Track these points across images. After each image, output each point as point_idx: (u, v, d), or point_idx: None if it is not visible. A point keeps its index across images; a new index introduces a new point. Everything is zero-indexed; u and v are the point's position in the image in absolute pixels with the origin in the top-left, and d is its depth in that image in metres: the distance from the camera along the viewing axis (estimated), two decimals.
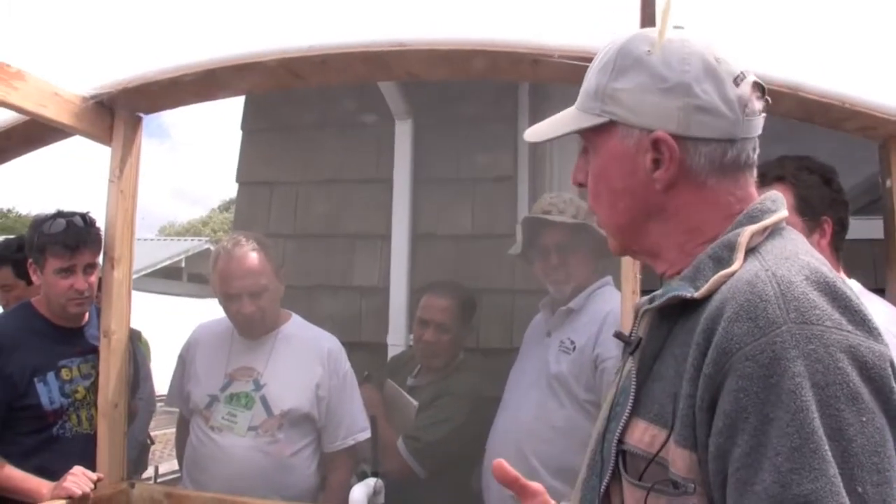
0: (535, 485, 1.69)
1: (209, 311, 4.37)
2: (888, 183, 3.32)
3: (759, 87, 1.54)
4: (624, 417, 1.50)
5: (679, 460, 1.36)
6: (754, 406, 1.24)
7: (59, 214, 3.88)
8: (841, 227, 2.97)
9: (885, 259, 3.39)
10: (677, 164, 1.50)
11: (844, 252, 3.03)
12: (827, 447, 1.19)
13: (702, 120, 1.48)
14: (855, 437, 1.20)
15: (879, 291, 3.14)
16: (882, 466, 1.21)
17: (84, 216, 3.92)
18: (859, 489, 1.18)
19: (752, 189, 1.57)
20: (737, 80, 1.50)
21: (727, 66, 1.50)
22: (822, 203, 2.93)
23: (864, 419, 1.21)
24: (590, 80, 1.61)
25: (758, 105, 1.53)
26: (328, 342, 4.22)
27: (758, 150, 1.56)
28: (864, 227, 3.87)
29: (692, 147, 1.50)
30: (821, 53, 3.30)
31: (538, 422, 3.89)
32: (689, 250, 1.54)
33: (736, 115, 1.49)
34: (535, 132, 1.73)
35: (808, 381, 1.21)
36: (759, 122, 1.54)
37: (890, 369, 1.28)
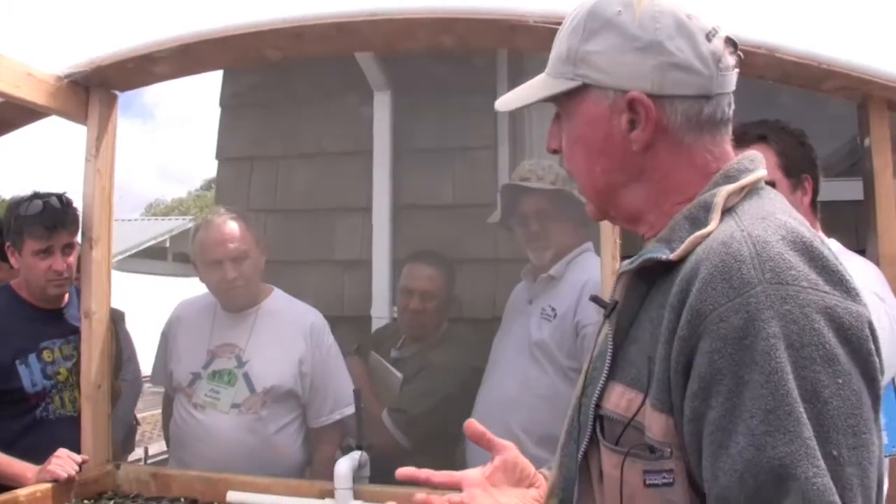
0: (505, 441, 1.76)
1: (194, 290, 4.35)
2: (866, 142, 3.32)
3: (731, 43, 1.52)
4: (601, 381, 1.49)
5: (655, 424, 1.35)
6: (729, 368, 1.23)
7: (36, 196, 3.86)
8: (816, 185, 2.98)
9: (865, 219, 3.38)
10: (654, 124, 1.48)
11: (826, 213, 3.03)
12: (802, 409, 1.18)
13: (677, 77, 1.47)
14: (830, 398, 1.20)
15: (861, 252, 3.14)
16: (858, 429, 1.20)
17: (60, 196, 3.89)
18: (834, 452, 1.18)
19: (728, 146, 1.55)
20: (709, 36, 1.48)
21: (698, 22, 1.49)
22: (802, 162, 2.94)
23: (840, 381, 1.21)
24: (560, 44, 1.59)
25: (731, 60, 1.52)
26: (311, 316, 4.20)
27: (732, 106, 1.55)
28: (846, 189, 3.88)
29: (668, 105, 1.48)
30: (796, 15, 3.29)
31: (521, 390, 3.90)
32: (667, 210, 1.52)
33: (710, 70, 1.48)
34: (506, 101, 1.71)
35: (784, 342, 1.20)
36: (732, 78, 1.53)
37: (868, 330, 1.27)
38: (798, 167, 2.92)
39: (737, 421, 1.21)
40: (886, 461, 2.03)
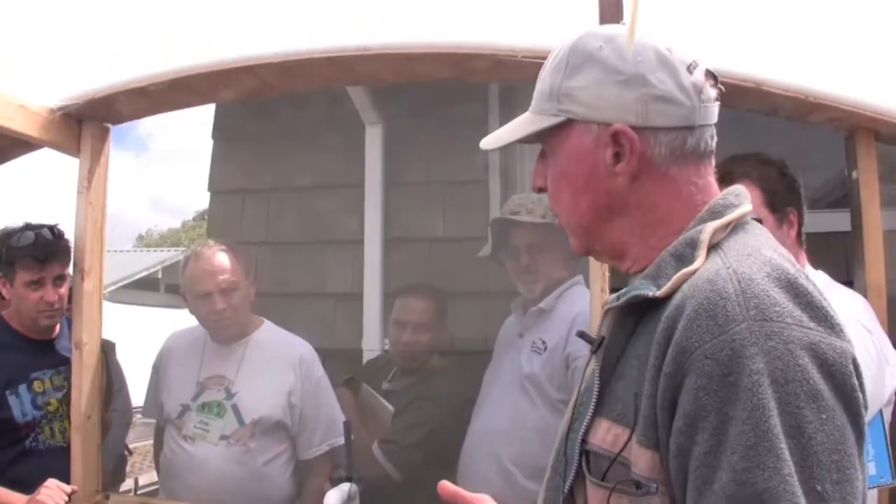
0: (479, 495, 1.70)
1: (186, 321, 4.36)
2: (854, 174, 3.34)
3: (711, 75, 1.53)
4: (587, 417, 1.49)
5: (641, 460, 1.36)
6: (714, 404, 1.23)
7: (28, 227, 3.87)
8: (801, 217, 2.99)
9: (852, 250, 3.40)
10: (638, 156, 1.49)
11: (817, 245, 3.05)
12: (784, 445, 1.18)
13: (660, 109, 1.48)
14: (814, 434, 1.20)
15: (849, 284, 3.16)
16: (842, 464, 1.20)
17: (52, 228, 3.91)
18: (818, 487, 1.18)
19: (712, 178, 1.56)
20: (690, 68, 1.50)
21: (679, 55, 1.50)
22: (786, 194, 2.96)
23: (823, 416, 1.21)
24: (543, 81, 1.60)
25: (712, 92, 1.53)
26: (300, 348, 4.20)
27: (715, 138, 1.56)
28: (836, 220, 3.89)
29: (652, 137, 1.49)
30: (782, 49, 3.32)
31: (512, 423, 3.89)
32: (653, 244, 1.53)
33: (693, 101, 1.49)
34: (491, 140, 1.72)
35: (768, 378, 1.21)
36: (714, 110, 1.54)
37: (851, 366, 1.27)
38: (782, 201, 2.93)
39: (720, 457, 1.22)
40: (873, 493, 2.04)
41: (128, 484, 9.36)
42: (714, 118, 1.54)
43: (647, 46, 1.50)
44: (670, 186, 1.52)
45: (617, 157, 1.51)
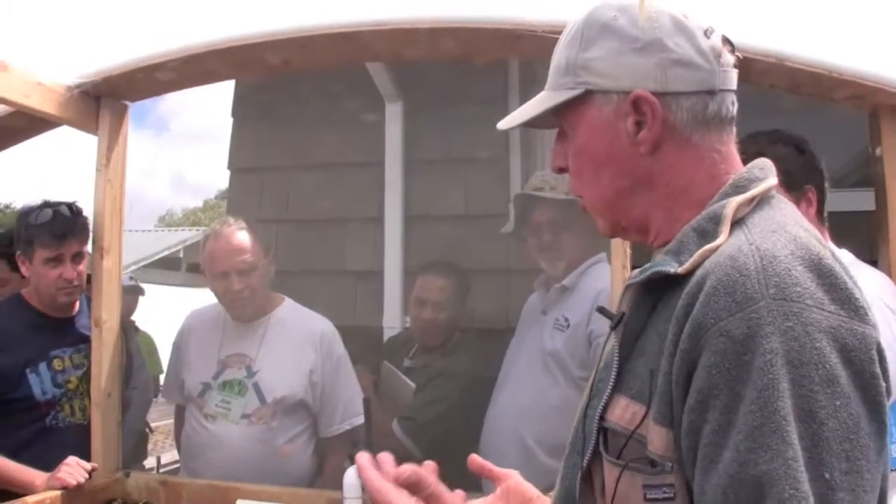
0: (506, 470, 1.77)
1: (207, 300, 4.37)
2: (878, 151, 3.30)
3: (728, 42, 1.51)
4: (606, 394, 1.47)
5: (657, 438, 1.33)
6: (726, 383, 1.21)
7: (46, 205, 3.88)
8: (822, 195, 2.95)
9: (876, 228, 3.36)
10: (660, 123, 1.46)
11: (840, 224, 3.01)
12: (792, 428, 1.15)
13: (679, 73, 1.45)
14: (826, 420, 1.16)
15: (873, 263, 3.13)
16: (853, 454, 1.17)
17: (70, 205, 3.91)
18: (826, 475, 1.15)
19: (734, 147, 1.53)
20: (707, 33, 1.47)
21: (695, 21, 1.48)
22: (802, 173, 2.90)
23: (838, 403, 1.17)
24: (558, 57, 1.58)
25: (731, 58, 1.50)
26: (321, 325, 4.19)
27: (736, 105, 1.53)
28: (860, 199, 3.85)
29: (673, 102, 1.46)
30: (804, 23, 3.28)
31: (534, 400, 3.89)
32: (676, 214, 1.50)
33: (712, 65, 1.46)
34: (509, 119, 1.70)
35: (783, 358, 1.17)
36: (734, 76, 1.51)
37: (874, 352, 1.23)
38: (799, 180, 2.88)
39: (727, 436, 1.19)
40: (894, 475, 2.01)
41: (150, 462, 9.44)
42: (734, 84, 1.52)
43: (662, 13, 1.47)
44: (693, 153, 1.49)
45: (638, 126, 1.48)
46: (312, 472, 4.09)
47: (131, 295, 7.68)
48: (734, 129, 1.54)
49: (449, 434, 4.21)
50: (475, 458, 1.74)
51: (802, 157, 2.92)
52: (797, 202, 2.86)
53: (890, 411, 1.26)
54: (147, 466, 8.38)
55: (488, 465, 1.78)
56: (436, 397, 4.30)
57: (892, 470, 1.68)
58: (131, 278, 8.00)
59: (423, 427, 4.21)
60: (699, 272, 1.33)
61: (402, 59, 3.74)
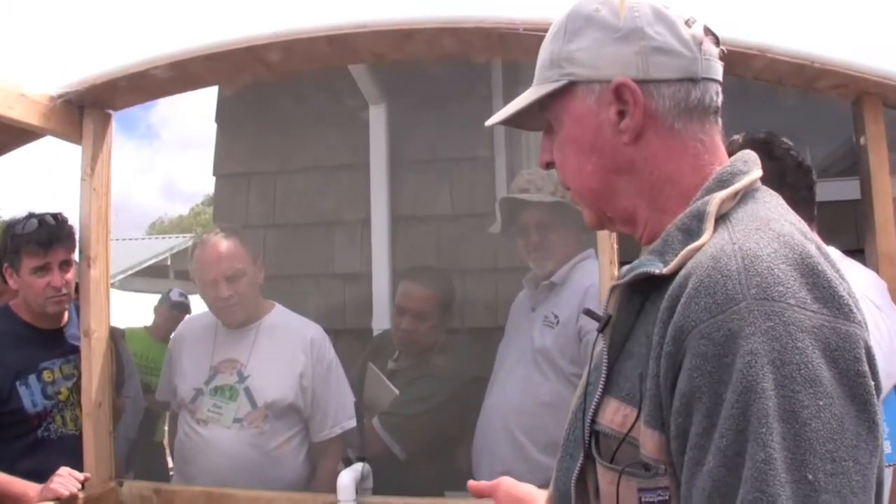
0: (495, 481, 1.81)
1: (196, 307, 4.38)
2: (862, 141, 3.31)
3: (711, 33, 1.52)
4: (596, 397, 1.46)
5: (649, 441, 1.33)
6: (708, 386, 1.20)
7: (31, 215, 3.88)
8: (809, 191, 2.95)
9: (863, 218, 3.38)
10: (642, 110, 1.47)
11: (827, 214, 3.02)
12: (767, 430, 1.14)
13: (660, 61, 1.46)
14: (809, 420, 1.15)
15: (860, 252, 3.14)
16: (838, 455, 1.15)
17: (56, 215, 3.91)
18: (809, 476, 1.13)
19: (719, 138, 1.53)
20: (688, 22, 1.48)
21: (676, 10, 1.49)
22: (795, 176, 2.91)
23: (821, 403, 1.16)
24: (543, 52, 1.59)
25: (714, 49, 1.51)
26: (311, 331, 4.21)
27: (721, 96, 1.53)
28: (846, 188, 3.87)
29: (655, 90, 1.47)
30: (785, 16, 3.29)
31: (524, 397, 3.90)
32: (661, 205, 1.51)
33: (693, 53, 1.47)
34: (496, 116, 1.71)
35: (764, 358, 1.16)
36: (717, 66, 1.52)
37: (861, 351, 1.22)
38: (790, 186, 2.89)
39: (710, 439, 1.19)
40: (888, 471, 2.01)
41: None
42: (718, 74, 1.52)
43: (643, 3, 1.48)
44: (676, 142, 1.50)
45: (621, 115, 1.49)
46: (306, 476, 4.10)
47: (178, 311, 7.69)
48: (719, 121, 1.54)
49: (433, 432, 4.24)
50: (473, 486, 1.75)
51: (795, 160, 2.93)
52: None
53: (882, 406, 1.25)
54: None
55: (482, 483, 1.80)
56: (420, 395, 4.31)
57: (887, 465, 1.68)
58: (181, 294, 7.98)
59: (405, 422, 4.22)
60: (682, 272, 1.33)
61: (385, 61, 3.74)
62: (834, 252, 2.79)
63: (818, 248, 1.32)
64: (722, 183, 1.44)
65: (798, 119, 3.05)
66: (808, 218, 2.93)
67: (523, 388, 3.92)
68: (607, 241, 3.19)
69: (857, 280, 2.69)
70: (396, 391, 4.31)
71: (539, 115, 1.61)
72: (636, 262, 1.47)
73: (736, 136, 2.86)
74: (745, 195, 1.44)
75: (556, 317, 3.94)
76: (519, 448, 3.82)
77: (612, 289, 1.50)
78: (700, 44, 1.48)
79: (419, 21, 3.28)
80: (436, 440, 4.21)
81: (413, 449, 4.20)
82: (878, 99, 3.29)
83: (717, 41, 1.53)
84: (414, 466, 4.18)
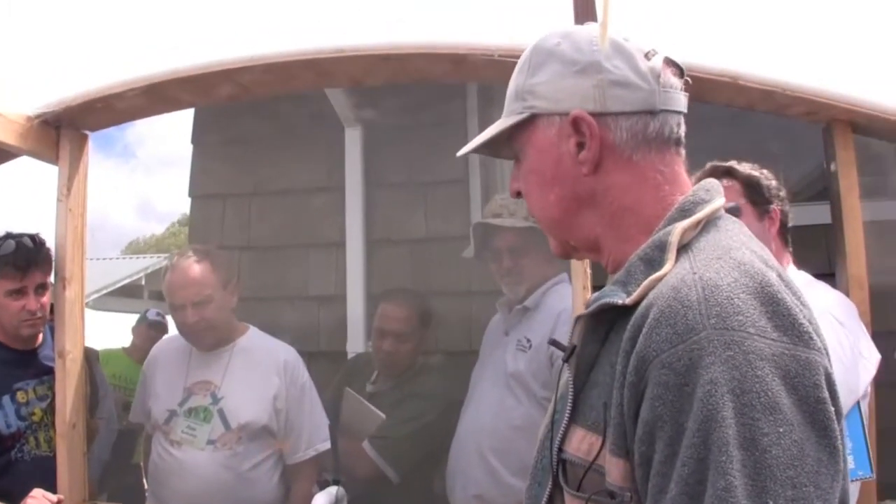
0: None
1: (173, 328, 4.38)
2: (832, 166, 3.35)
3: (674, 64, 1.54)
4: (563, 425, 1.48)
5: (614, 469, 1.34)
6: (670, 415, 1.22)
7: (8, 236, 3.85)
8: (785, 217, 3.01)
9: (834, 243, 3.41)
10: (599, 142, 1.50)
11: (799, 238, 3.06)
12: (726, 458, 1.15)
13: (617, 94, 1.49)
14: (769, 447, 1.16)
15: (831, 276, 3.18)
16: (798, 481, 1.16)
17: (33, 237, 3.88)
18: (770, 502, 1.14)
19: (681, 168, 1.56)
20: (648, 55, 1.51)
21: (636, 44, 1.52)
22: (768, 195, 2.97)
23: (781, 430, 1.17)
24: (511, 84, 1.63)
25: (675, 80, 1.53)
26: (285, 353, 4.21)
27: (683, 127, 1.56)
28: (817, 213, 3.91)
29: (612, 123, 1.50)
30: (756, 43, 3.34)
31: (497, 421, 3.91)
32: (623, 234, 1.53)
33: (651, 85, 1.49)
34: (467, 147, 1.74)
35: (724, 387, 1.18)
36: (679, 97, 1.54)
37: (820, 378, 1.23)
38: (763, 196, 2.95)
39: (672, 468, 1.20)
40: (853, 486, 2.04)
41: None
42: (679, 106, 1.54)
43: (603, 37, 1.51)
44: (636, 173, 1.52)
45: (580, 146, 1.51)
46: (279, 498, 4.09)
47: (155, 331, 7.65)
48: (682, 152, 1.57)
49: (423, 452, 4.26)
50: None
51: (768, 181, 2.99)
52: (760, 218, 2.93)
53: (845, 421, 1.27)
54: None
55: None
56: (410, 416, 4.31)
57: (851, 480, 1.71)
58: (158, 314, 7.94)
59: (397, 444, 4.21)
60: (644, 303, 1.35)
61: (361, 85, 3.76)
62: (803, 276, 2.83)
63: (779, 275, 1.34)
64: (684, 213, 1.46)
65: (768, 144, 3.09)
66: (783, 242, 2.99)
67: (496, 411, 3.93)
68: (580, 266, 3.21)
69: (822, 298, 2.74)
70: (383, 415, 4.30)
71: (509, 145, 1.64)
72: (600, 292, 1.49)
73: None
74: (707, 224, 1.46)
75: (528, 341, 3.95)
76: (492, 471, 3.83)
77: (577, 319, 1.53)
78: (658, 76, 1.50)
79: (392, 46, 3.30)
80: (420, 460, 4.22)
81: (405, 470, 4.21)
82: (847, 125, 3.33)
83: (680, 73, 1.55)
84: (392, 489, 4.19)
